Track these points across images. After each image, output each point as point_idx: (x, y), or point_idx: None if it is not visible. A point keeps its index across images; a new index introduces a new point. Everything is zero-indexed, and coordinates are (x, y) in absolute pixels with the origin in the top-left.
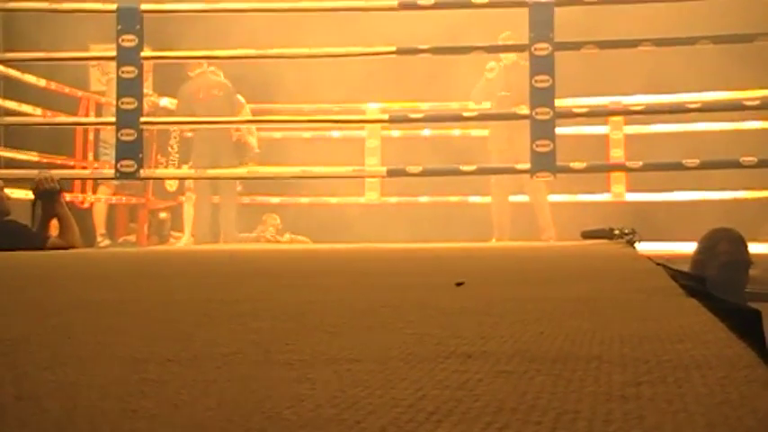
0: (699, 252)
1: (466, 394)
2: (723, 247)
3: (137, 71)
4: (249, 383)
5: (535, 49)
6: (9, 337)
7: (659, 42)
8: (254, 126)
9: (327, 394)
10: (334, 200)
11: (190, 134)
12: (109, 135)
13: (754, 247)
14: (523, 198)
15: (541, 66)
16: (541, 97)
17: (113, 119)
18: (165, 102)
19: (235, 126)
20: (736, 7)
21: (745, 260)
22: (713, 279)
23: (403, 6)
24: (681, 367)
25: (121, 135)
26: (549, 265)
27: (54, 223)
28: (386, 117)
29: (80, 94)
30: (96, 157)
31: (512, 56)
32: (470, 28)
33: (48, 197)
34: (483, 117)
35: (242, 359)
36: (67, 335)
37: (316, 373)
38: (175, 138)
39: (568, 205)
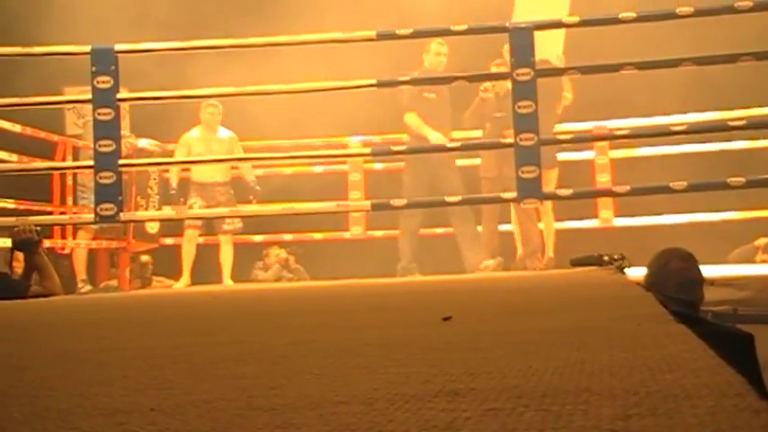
0: (651, 275)
1: None
2: (675, 265)
3: (113, 113)
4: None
5: (517, 75)
6: None
7: (642, 65)
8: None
9: None
10: (318, 235)
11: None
12: (87, 179)
13: (747, 268)
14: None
15: (524, 91)
16: (525, 123)
17: (91, 162)
18: (144, 143)
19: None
20: (720, 27)
21: (700, 277)
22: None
23: (381, 37)
24: (670, 397)
25: (100, 178)
26: (538, 295)
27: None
28: (368, 151)
29: (56, 138)
30: (75, 202)
31: (506, 85)
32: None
33: (27, 247)
34: (466, 147)
35: (225, 406)
36: (48, 387)
37: (300, 418)
38: (155, 179)
39: (556, 232)
